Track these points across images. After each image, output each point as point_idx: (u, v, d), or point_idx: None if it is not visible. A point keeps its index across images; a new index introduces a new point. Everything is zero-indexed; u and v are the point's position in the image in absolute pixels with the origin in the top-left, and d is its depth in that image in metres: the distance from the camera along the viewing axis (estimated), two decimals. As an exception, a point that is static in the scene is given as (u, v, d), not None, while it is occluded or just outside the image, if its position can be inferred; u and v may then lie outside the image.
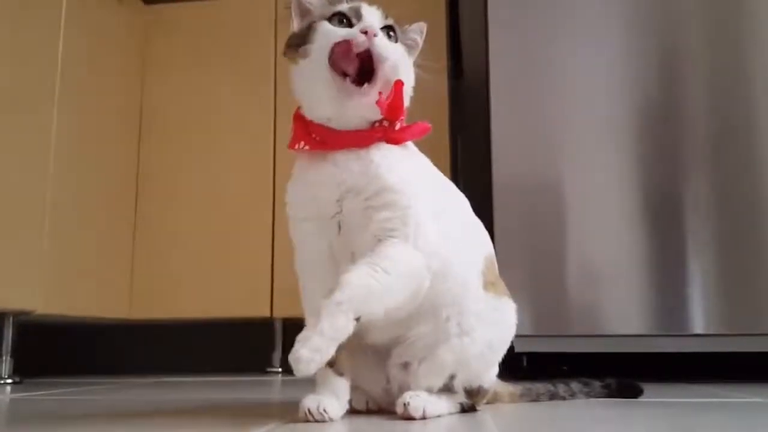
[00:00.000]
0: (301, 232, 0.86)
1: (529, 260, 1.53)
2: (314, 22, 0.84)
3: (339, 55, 0.81)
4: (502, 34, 1.64)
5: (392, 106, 0.82)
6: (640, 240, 1.50)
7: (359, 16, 0.83)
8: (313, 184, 0.84)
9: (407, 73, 0.86)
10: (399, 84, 0.83)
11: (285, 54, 0.87)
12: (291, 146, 0.86)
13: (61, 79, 1.76)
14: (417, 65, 0.89)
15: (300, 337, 0.72)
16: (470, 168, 2.09)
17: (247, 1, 2.18)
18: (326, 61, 0.82)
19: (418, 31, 0.91)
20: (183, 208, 2.08)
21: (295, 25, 0.88)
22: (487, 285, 0.90)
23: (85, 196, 1.86)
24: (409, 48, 0.90)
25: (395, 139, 0.85)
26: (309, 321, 0.80)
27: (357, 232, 0.82)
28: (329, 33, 0.82)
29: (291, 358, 0.71)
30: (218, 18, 2.18)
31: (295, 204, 0.86)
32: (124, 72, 2.11)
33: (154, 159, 2.13)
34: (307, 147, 0.84)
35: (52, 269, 1.69)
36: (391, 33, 0.85)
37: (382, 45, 0.80)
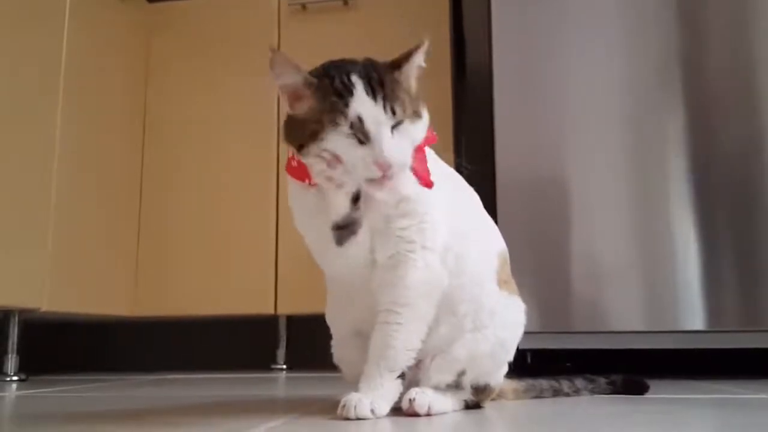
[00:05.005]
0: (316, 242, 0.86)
1: (533, 258, 1.53)
2: (319, 131, 0.75)
3: None
4: (505, 34, 1.63)
5: (421, 174, 0.80)
6: (644, 237, 1.50)
7: (366, 135, 0.75)
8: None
9: (421, 133, 0.80)
10: (421, 151, 0.80)
11: (286, 142, 0.80)
12: (299, 180, 0.82)
13: (65, 78, 1.77)
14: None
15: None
16: (474, 167, 2.08)
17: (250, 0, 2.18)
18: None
19: (417, 63, 0.81)
20: (187, 206, 2.08)
21: (287, 105, 0.79)
22: (501, 283, 0.91)
23: (89, 194, 1.87)
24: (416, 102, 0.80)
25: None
26: (333, 330, 0.92)
27: (377, 237, 0.82)
28: (345, 153, 0.75)
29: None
30: (221, 16, 2.18)
31: (307, 221, 0.86)
32: (128, 70, 2.11)
33: (157, 157, 2.13)
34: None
35: (56, 267, 1.70)
36: (400, 121, 0.77)
37: (395, 156, 0.74)
